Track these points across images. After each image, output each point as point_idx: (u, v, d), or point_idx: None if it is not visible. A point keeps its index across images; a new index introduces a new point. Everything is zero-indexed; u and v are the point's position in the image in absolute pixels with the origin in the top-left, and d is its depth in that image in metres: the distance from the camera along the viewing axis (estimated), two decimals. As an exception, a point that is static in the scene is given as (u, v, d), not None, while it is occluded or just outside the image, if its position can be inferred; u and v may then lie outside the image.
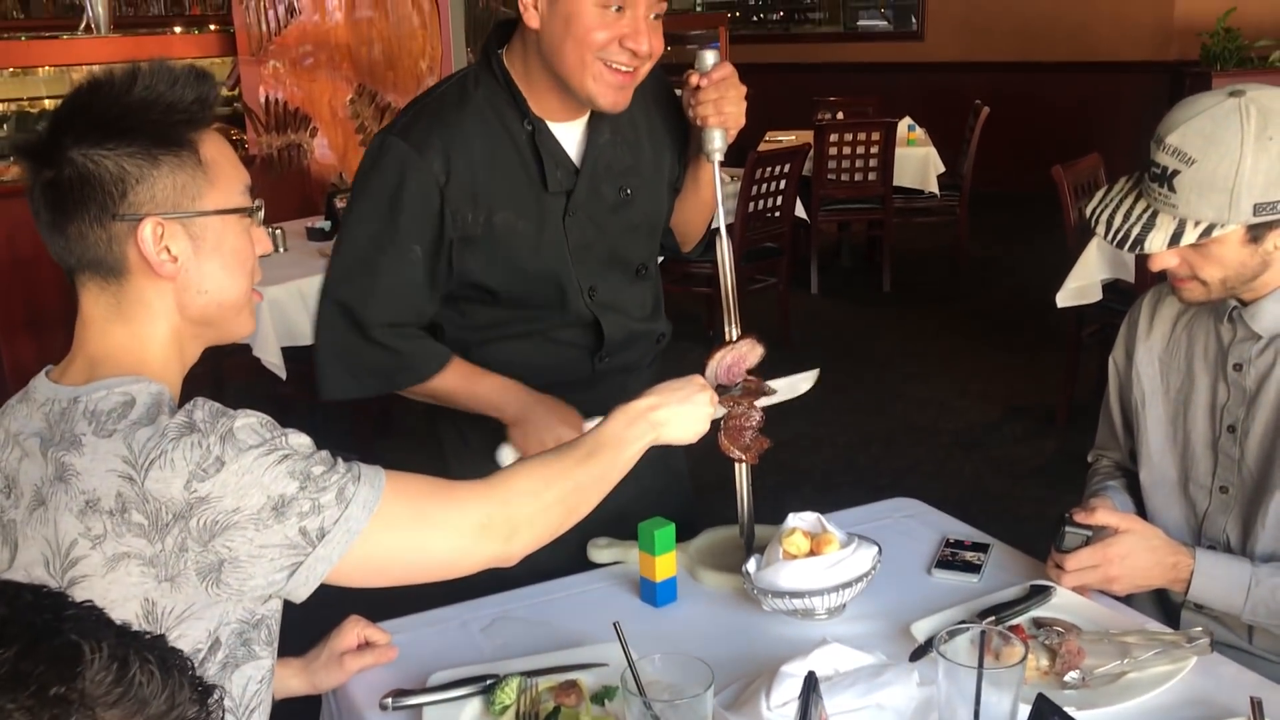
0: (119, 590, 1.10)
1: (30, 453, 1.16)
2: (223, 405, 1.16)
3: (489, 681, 1.43)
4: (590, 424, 1.78)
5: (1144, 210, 1.54)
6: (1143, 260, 3.87)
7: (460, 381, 1.82)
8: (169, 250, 1.19)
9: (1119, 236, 1.55)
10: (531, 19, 1.68)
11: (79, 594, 1.07)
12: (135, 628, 1.08)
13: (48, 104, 5.51)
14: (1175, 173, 1.49)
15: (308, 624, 1.50)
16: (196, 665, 1.11)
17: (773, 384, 1.69)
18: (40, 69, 5.53)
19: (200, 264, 1.21)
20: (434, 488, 1.27)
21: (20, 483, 1.16)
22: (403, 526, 1.21)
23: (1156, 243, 1.52)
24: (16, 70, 5.47)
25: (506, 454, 1.84)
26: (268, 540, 1.12)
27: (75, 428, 1.13)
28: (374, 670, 1.53)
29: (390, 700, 1.42)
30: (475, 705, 1.41)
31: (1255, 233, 1.51)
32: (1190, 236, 1.50)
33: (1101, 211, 1.58)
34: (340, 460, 1.21)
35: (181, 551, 1.09)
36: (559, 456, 1.36)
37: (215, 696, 0.56)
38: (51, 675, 0.50)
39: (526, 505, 1.29)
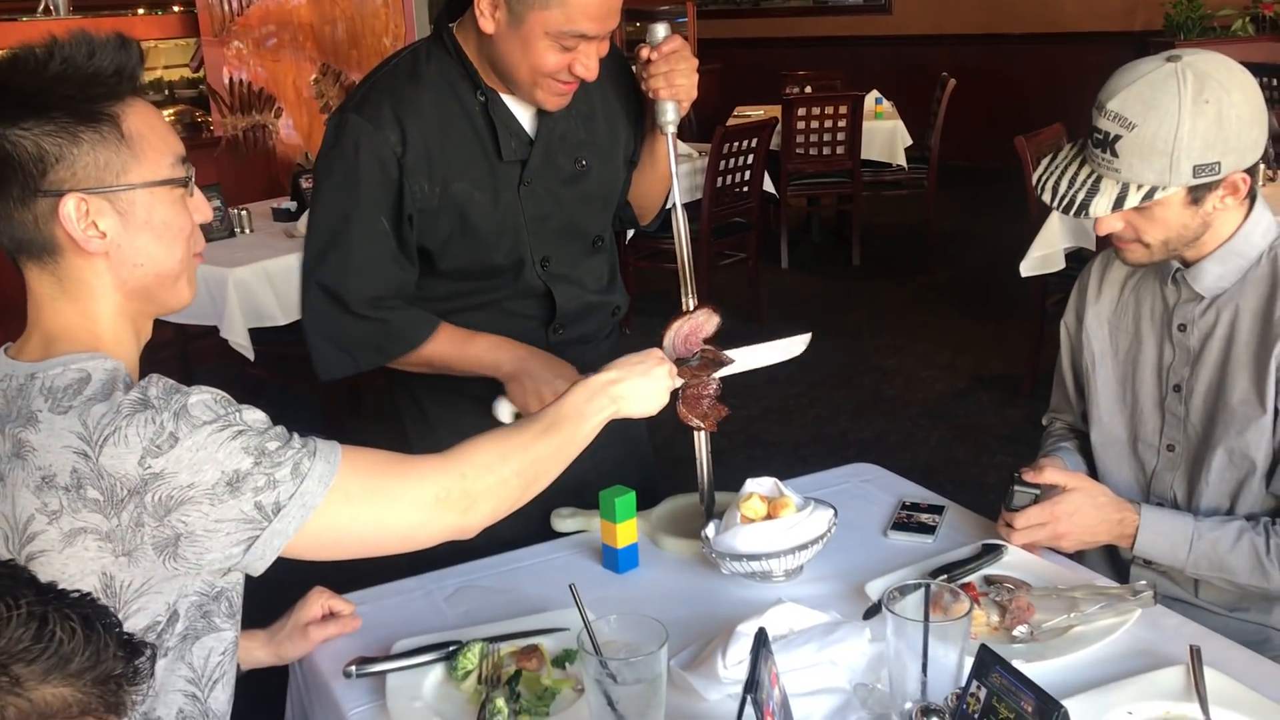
0: (76, 565, 1.11)
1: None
2: (177, 382, 1.16)
3: (452, 648, 1.45)
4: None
5: (1088, 176, 1.57)
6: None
7: (452, 346, 1.84)
8: (96, 226, 1.17)
9: (1064, 202, 1.58)
10: (487, 25, 1.69)
11: (37, 569, 1.08)
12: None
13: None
14: (1117, 138, 1.52)
15: (274, 597, 1.52)
16: (156, 636, 1.13)
17: (768, 347, 1.71)
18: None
19: (132, 238, 1.20)
20: (390, 461, 1.27)
21: (34, 449, 1.15)
22: (359, 501, 1.21)
23: (1101, 207, 1.55)
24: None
25: (504, 409, 1.85)
26: (223, 515, 1.13)
27: (32, 404, 1.14)
28: (339, 640, 1.55)
29: (354, 668, 1.44)
30: (438, 671, 1.44)
31: (1196, 194, 1.54)
32: (1133, 200, 1.53)
33: (1047, 179, 1.61)
34: (296, 436, 1.21)
35: (138, 526, 1.10)
36: (518, 430, 1.37)
37: (145, 655, 0.57)
38: None
39: (484, 478, 1.30)
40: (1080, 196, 1.56)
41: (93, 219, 1.17)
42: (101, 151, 1.17)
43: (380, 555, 1.31)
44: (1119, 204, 1.54)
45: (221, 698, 1.29)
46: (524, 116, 1.82)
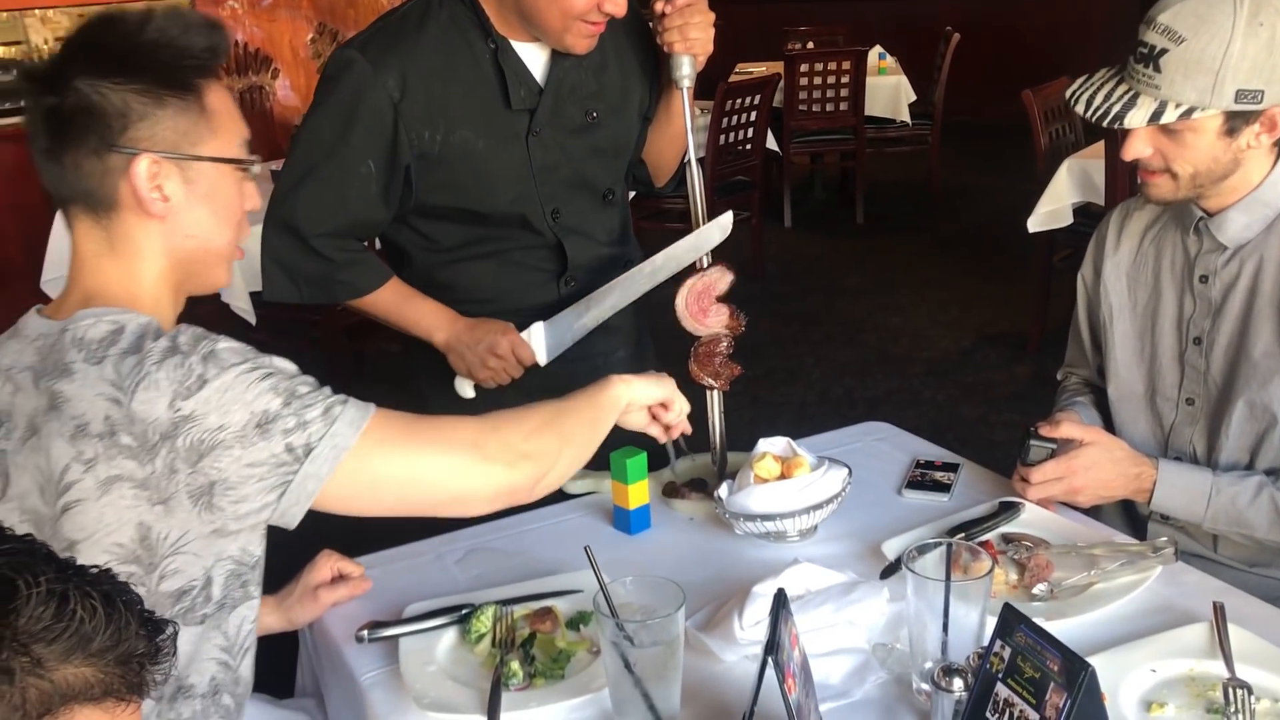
0: (114, 514, 1.11)
1: (23, 386, 1.17)
2: (207, 330, 1.17)
3: (464, 611, 1.44)
4: (528, 333, 1.81)
5: (1125, 92, 1.53)
6: (1113, 182, 3.88)
7: (394, 302, 1.85)
8: (161, 190, 1.20)
9: (1098, 113, 1.54)
10: None
11: (74, 519, 1.10)
12: (130, 555, 1.08)
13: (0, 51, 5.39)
14: (1163, 51, 1.48)
15: (279, 564, 1.50)
16: (189, 601, 1.13)
17: (693, 237, 1.75)
18: (-8, 15, 5.40)
19: (190, 208, 1.22)
20: (426, 417, 1.28)
21: (14, 415, 1.17)
22: (393, 444, 1.21)
23: (1136, 119, 1.51)
24: (-33, 17, 5.34)
25: (463, 385, 1.87)
26: (255, 458, 1.12)
27: (65, 356, 1.14)
28: (349, 604, 1.53)
29: (366, 633, 1.42)
30: (451, 635, 1.42)
31: (1233, 123, 1.50)
32: (1170, 116, 1.49)
33: (1082, 93, 1.57)
34: (328, 388, 1.21)
35: (171, 473, 1.10)
36: (547, 405, 1.39)
37: (167, 633, 0.55)
38: None
39: (519, 428, 1.31)
40: (1115, 109, 1.52)
41: (160, 182, 1.20)
42: (182, 119, 1.20)
43: (423, 513, 1.30)
44: (1155, 118, 1.49)
45: (249, 665, 1.29)
46: (535, 66, 1.78)
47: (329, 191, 1.75)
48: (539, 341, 1.83)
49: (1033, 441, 1.63)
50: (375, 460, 1.19)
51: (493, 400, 1.83)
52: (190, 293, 1.30)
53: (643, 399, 1.49)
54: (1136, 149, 1.56)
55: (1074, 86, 1.59)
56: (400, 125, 1.72)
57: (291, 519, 1.18)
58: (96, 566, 0.54)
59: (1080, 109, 1.56)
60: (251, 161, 1.27)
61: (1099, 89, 1.56)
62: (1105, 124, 1.53)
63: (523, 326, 1.85)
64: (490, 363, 1.82)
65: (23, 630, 0.49)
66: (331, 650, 1.48)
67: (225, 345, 1.14)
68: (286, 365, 1.18)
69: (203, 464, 1.10)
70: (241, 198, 1.27)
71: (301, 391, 1.15)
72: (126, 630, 0.52)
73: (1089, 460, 1.61)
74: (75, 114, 1.17)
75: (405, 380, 2.05)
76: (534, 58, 1.78)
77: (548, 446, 1.32)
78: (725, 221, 1.74)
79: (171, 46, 1.19)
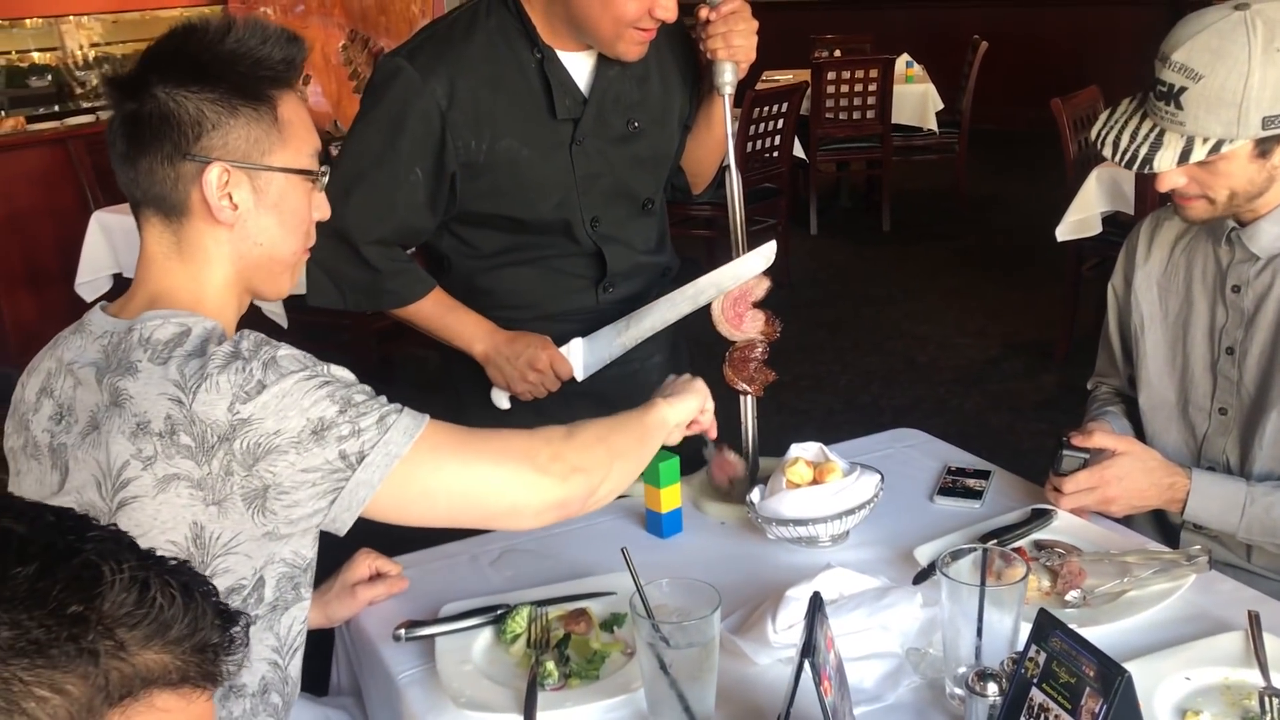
0: (169, 512, 1.13)
1: (85, 381, 1.19)
2: (269, 337, 1.19)
3: (500, 611, 1.45)
4: (567, 349, 1.82)
5: (1150, 129, 1.53)
6: (1142, 191, 3.87)
7: (438, 311, 1.87)
8: (231, 198, 1.22)
9: (1126, 157, 1.54)
10: None
11: (130, 515, 1.12)
12: (183, 553, 1.11)
13: (36, 56, 5.46)
14: (1182, 90, 1.48)
15: (318, 563, 1.52)
16: (240, 601, 1.15)
17: (737, 264, 1.75)
18: (28, 20, 5.48)
19: (259, 217, 1.24)
20: (476, 429, 1.29)
21: (75, 410, 1.20)
22: (446, 453, 1.22)
23: (1165, 161, 1.51)
24: (4, 22, 5.41)
25: (499, 396, 1.89)
26: (309, 464, 1.13)
27: (132, 355, 1.17)
28: (386, 603, 1.55)
29: (403, 631, 1.44)
30: (487, 635, 1.44)
31: (1263, 147, 1.50)
32: (1199, 153, 1.49)
33: (1107, 134, 1.58)
34: (383, 396, 1.23)
35: (227, 475, 1.12)
36: (600, 423, 1.40)
37: (240, 624, 0.57)
38: (70, 595, 0.50)
39: (571, 441, 1.32)
40: (1143, 151, 1.52)
41: (230, 190, 1.22)
42: (254, 129, 1.22)
43: (474, 524, 1.33)
44: (1184, 158, 1.50)
45: (297, 665, 1.31)
46: (580, 76, 1.80)
47: (378, 199, 1.77)
48: (577, 357, 1.85)
49: (1065, 451, 1.63)
50: (428, 469, 1.20)
51: (529, 412, 1.86)
52: (255, 298, 1.33)
53: (685, 417, 1.50)
54: (1171, 181, 1.56)
55: (1098, 127, 1.59)
56: (447, 133, 1.74)
57: (342, 525, 1.19)
58: (175, 559, 0.56)
59: (1108, 153, 1.56)
60: (321, 173, 1.29)
61: (1123, 128, 1.56)
62: (1135, 169, 1.53)
63: (561, 333, 1.87)
64: (529, 376, 1.83)
65: (107, 614, 0.50)
66: (369, 648, 1.50)
67: (285, 352, 1.16)
68: (344, 374, 1.20)
69: (258, 467, 1.12)
70: (310, 207, 1.30)
71: (357, 400, 1.17)
72: (203, 620, 0.54)
73: (1122, 470, 1.61)
74: (151, 120, 1.20)
75: (433, 385, 2.06)
76: (579, 67, 1.80)
77: (599, 461, 1.34)
78: (769, 251, 1.76)
79: (249, 57, 1.21)
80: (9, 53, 5.45)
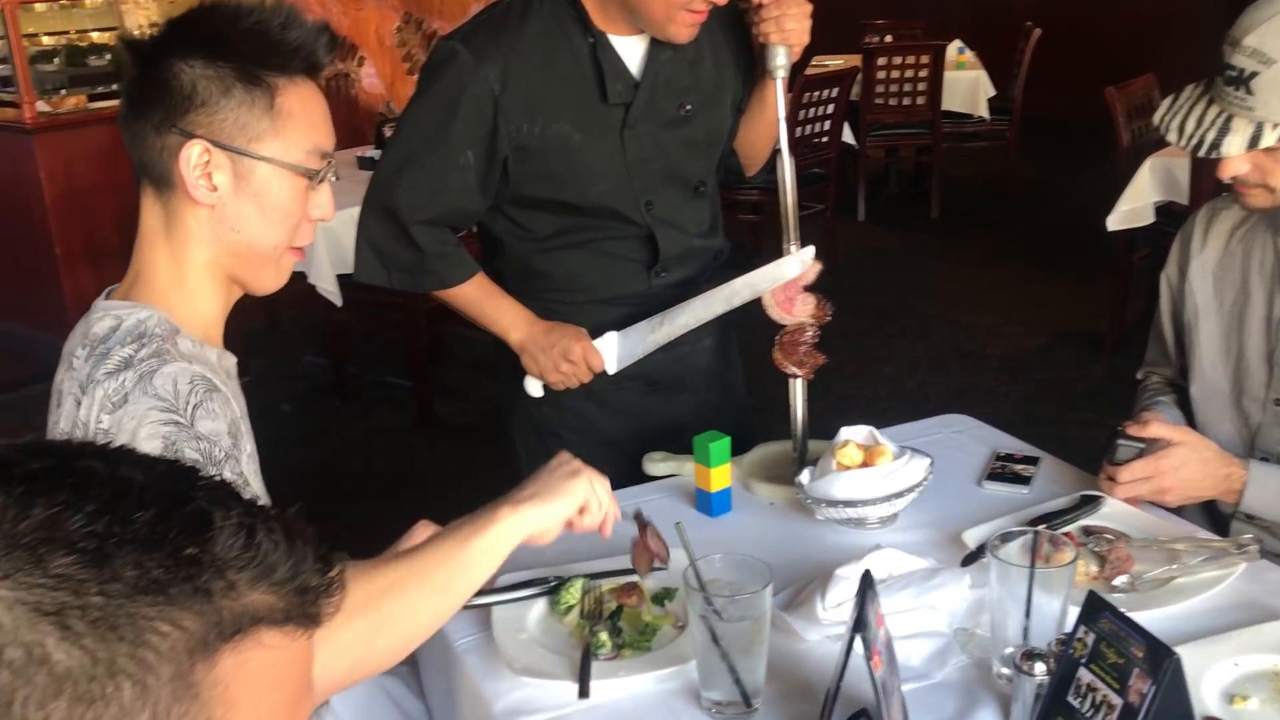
0: None
1: (62, 371, 1.22)
2: (177, 354, 1.15)
3: (554, 583, 1.49)
4: (600, 342, 1.84)
5: (1218, 115, 1.53)
6: (1197, 181, 3.83)
7: (478, 296, 1.90)
8: (210, 178, 1.20)
9: (1193, 142, 1.54)
10: None
11: None
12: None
13: (95, 36, 5.56)
14: (1253, 75, 1.47)
15: (377, 534, 1.56)
16: None
17: (773, 266, 1.74)
18: (88, 0, 5.58)
19: (238, 203, 1.21)
20: None
21: (63, 395, 1.21)
22: None
23: (1234, 146, 1.51)
24: (64, 3, 5.52)
25: (533, 384, 1.93)
26: None
27: (76, 352, 1.19)
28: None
29: (460, 601, 1.48)
30: (541, 605, 1.47)
31: None
32: (1269, 139, 1.49)
33: (1171, 119, 1.57)
34: (229, 474, 1.14)
35: None
36: (391, 567, 1.21)
37: (337, 569, 0.61)
38: (185, 538, 0.54)
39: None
40: (1210, 136, 1.52)
41: (210, 170, 1.20)
42: (244, 112, 1.19)
43: None
44: (1254, 143, 1.49)
45: None
46: (631, 60, 1.82)
47: (429, 179, 1.81)
48: (610, 351, 1.88)
49: (1121, 441, 1.62)
50: None
51: (561, 400, 1.89)
52: (242, 289, 1.29)
53: (543, 527, 1.27)
54: (1234, 168, 1.55)
55: (1161, 112, 1.59)
56: (500, 117, 1.77)
57: None
58: (274, 508, 0.59)
59: (1173, 139, 1.55)
60: (313, 173, 1.24)
61: (1188, 114, 1.55)
62: (1202, 154, 1.52)
63: (613, 317, 1.89)
64: (562, 367, 1.86)
65: (219, 557, 0.54)
66: (426, 617, 1.54)
67: (169, 373, 1.12)
68: (210, 429, 1.12)
69: None
70: (302, 204, 1.24)
71: (184, 459, 1.08)
72: (304, 564, 0.58)
73: (1178, 460, 1.61)
74: (151, 87, 1.19)
75: (482, 366, 2.09)
76: (631, 52, 1.82)
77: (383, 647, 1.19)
78: (806, 256, 1.77)
79: (262, 39, 1.19)
80: (69, 32, 5.55)
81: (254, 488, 1.19)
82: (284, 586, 0.56)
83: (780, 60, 1.77)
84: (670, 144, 1.87)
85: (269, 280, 1.28)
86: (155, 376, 1.12)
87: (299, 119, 1.22)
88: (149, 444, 1.09)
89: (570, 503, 1.29)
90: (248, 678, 0.55)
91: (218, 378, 1.19)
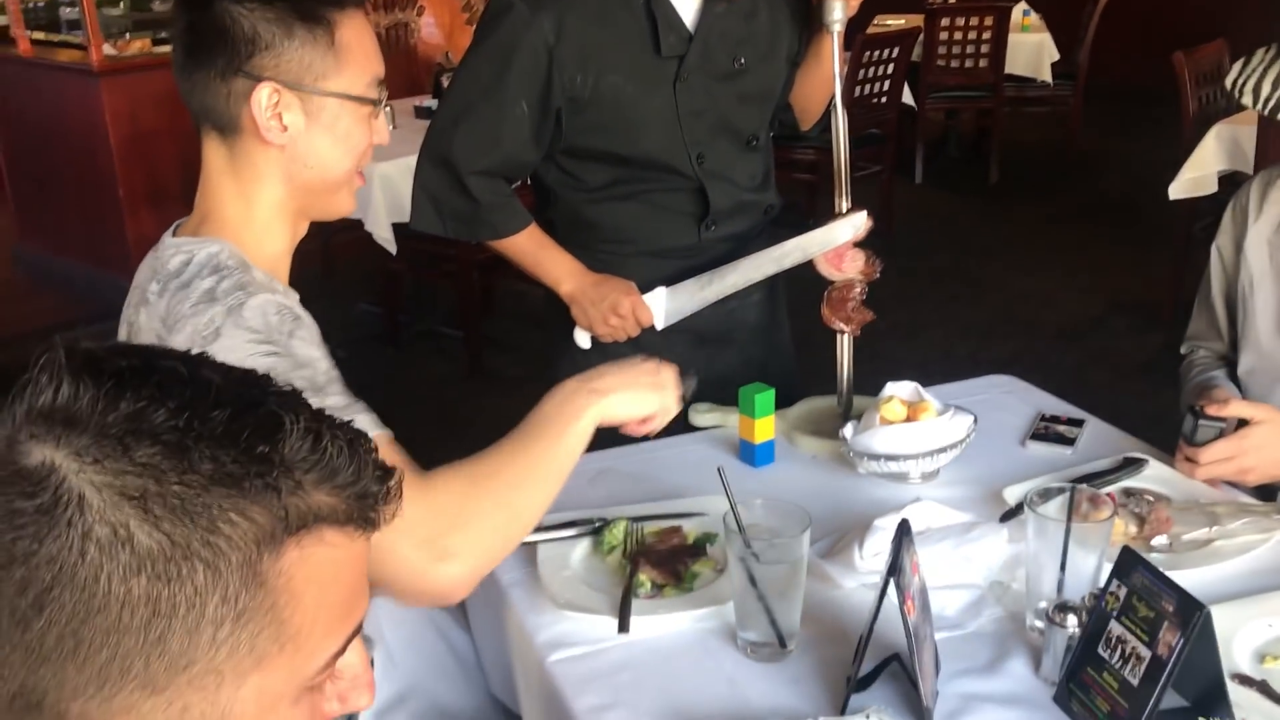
0: None
1: (134, 304, 1.26)
2: (257, 282, 1.18)
3: (598, 524, 1.52)
4: (649, 296, 1.86)
5: None
6: (1264, 150, 3.76)
7: (530, 247, 1.93)
8: (281, 119, 1.22)
9: (1270, 105, 1.52)
10: None
11: None
12: None
13: (158, -18, 5.62)
14: None
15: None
16: None
17: (825, 230, 1.75)
18: (154, -55, 5.64)
19: (310, 139, 1.24)
20: (410, 472, 1.15)
21: (139, 332, 1.24)
22: None
23: None
24: (133, -52, 5.59)
25: (581, 335, 1.95)
26: None
27: (149, 286, 1.22)
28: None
29: (506, 538, 1.52)
30: (585, 545, 1.51)
31: None
32: None
33: (1245, 81, 1.55)
34: (340, 393, 1.17)
35: None
36: (489, 456, 1.22)
37: (394, 478, 0.64)
38: (257, 438, 0.58)
39: (459, 523, 1.15)
40: None
41: (280, 111, 1.22)
42: (309, 51, 1.22)
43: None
44: None
45: None
46: (686, 12, 1.83)
47: (484, 129, 1.83)
48: (659, 306, 1.90)
49: (1201, 421, 1.57)
50: None
51: (608, 351, 1.91)
52: (313, 218, 1.33)
53: (623, 416, 1.32)
54: None
55: (1234, 74, 1.56)
56: (554, 69, 1.79)
57: None
58: (339, 418, 0.63)
59: (1248, 101, 1.53)
60: (376, 101, 1.27)
61: (1263, 76, 1.53)
62: None
63: (663, 270, 1.91)
64: (611, 320, 1.88)
65: (288, 457, 0.58)
66: (473, 552, 1.58)
67: (255, 303, 1.15)
68: (305, 351, 1.16)
69: None
70: (368, 133, 1.28)
71: (298, 385, 1.13)
72: (364, 471, 0.61)
73: (1261, 439, 1.56)
74: (208, 34, 1.20)
75: (533, 318, 2.11)
76: (686, 4, 1.82)
77: (491, 538, 1.19)
78: (858, 220, 1.78)
79: None
80: (136, -24, 5.63)
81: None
82: (346, 489, 0.60)
83: (837, 14, 1.77)
84: (723, 97, 1.88)
85: (344, 205, 1.33)
86: (244, 309, 1.15)
87: (357, 51, 1.25)
88: None
89: (646, 410, 1.34)
90: (309, 571, 0.59)
91: (297, 307, 1.23)
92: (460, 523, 1.15)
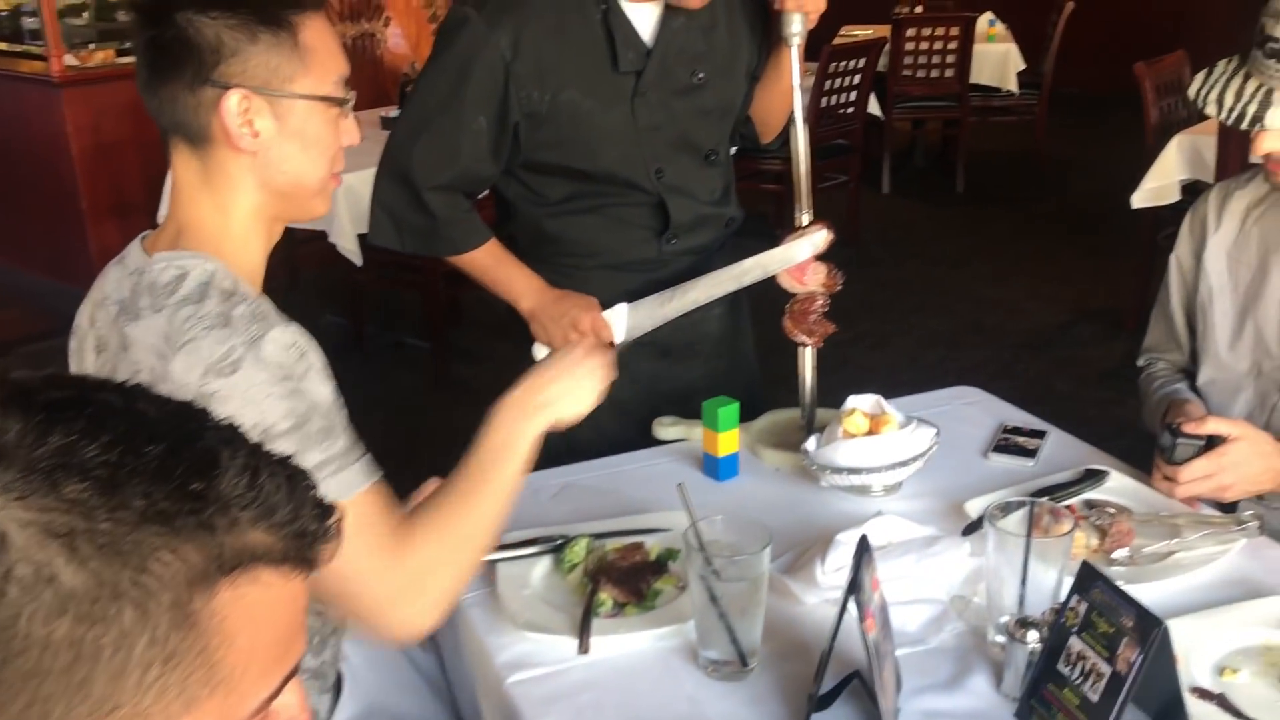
0: None
1: (113, 318, 1.23)
2: (269, 311, 1.18)
3: (559, 541, 1.51)
4: (610, 313, 1.85)
5: (1258, 88, 1.52)
6: (1224, 160, 3.80)
7: (490, 263, 1.91)
8: (252, 125, 1.21)
9: (1234, 116, 1.53)
10: None
11: None
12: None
13: (124, -9, 5.57)
14: None
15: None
16: None
17: (786, 248, 1.74)
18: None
19: (282, 143, 1.24)
20: (388, 531, 1.21)
21: (109, 345, 1.23)
22: (348, 542, 1.17)
23: (1278, 119, 1.49)
24: (95, -43, 5.53)
25: (540, 351, 1.93)
26: None
27: (139, 300, 1.19)
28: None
29: (466, 556, 1.50)
30: (546, 563, 1.50)
31: None
32: None
33: (1208, 92, 1.56)
34: (344, 439, 1.20)
35: None
36: (453, 497, 1.28)
37: (334, 517, 0.63)
38: (192, 474, 0.56)
39: (444, 575, 1.24)
40: (1252, 109, 1.51)
41: (251, 117, 1.21)
42: (274, 55, 1.21)
43: (342, 612, 1.28)
44: None
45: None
46: (643, 27, 1.82)
47: (442, 144, 1.81)
48: (619, 323, 1.88)
49: (1180, 440, 1.56)
50: None
51: None
52: (288, 222, 1.32)
53: (570, 419, 1.37)
54: (1272, 143, 1.54)
55: (1197, 85, 1.58)
56: (511, 84, 1.78)
57: None
58: (280, 454, 0.61)
59: (1212, 111, 1.54)
60: (345, 100, 1.27)
61: (1226, 87, 1.54)
62: (1245, 127, 1.51)
63: (624, 283, 1.90)
64: (571, 337, 1.86)
65: (223, 494, 0.56)
66: (433, 571, 1.57)
67: (274, 338, 1.15)
68: (319, 391, 1.18)
69: None
70: (337, 134, 1.28)
71: (311, 430, 1.15)
72: (303, 509, 0.60)
73: (1239, 456, 1.55)
74: (171, 47, 1.19)
75: (500, 330, 2.10)
76: (644, 19, 1.82)
77: (460, 580, 1.27)
78: (818, 238, 1.77)
79: None
80: (99, -15, 5.57)
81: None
82: (283, 528, 0.59)
83: (796, 28, 1.77)
84: (682, 112, 1.88)
85: (318, 209, 1.32)
86: (263, 344, 1.15)
87: (322, 52, 1.25)
88: (271, 416, 1.12)
89: (590, 404, 1.39)
90: (243, 612, 0.58)
91: (304, 340, 1.20)
92: (430, 579, 1.22)
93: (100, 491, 0.54)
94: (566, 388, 1.37)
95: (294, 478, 0.60)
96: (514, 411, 1.33)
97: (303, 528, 0.60)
